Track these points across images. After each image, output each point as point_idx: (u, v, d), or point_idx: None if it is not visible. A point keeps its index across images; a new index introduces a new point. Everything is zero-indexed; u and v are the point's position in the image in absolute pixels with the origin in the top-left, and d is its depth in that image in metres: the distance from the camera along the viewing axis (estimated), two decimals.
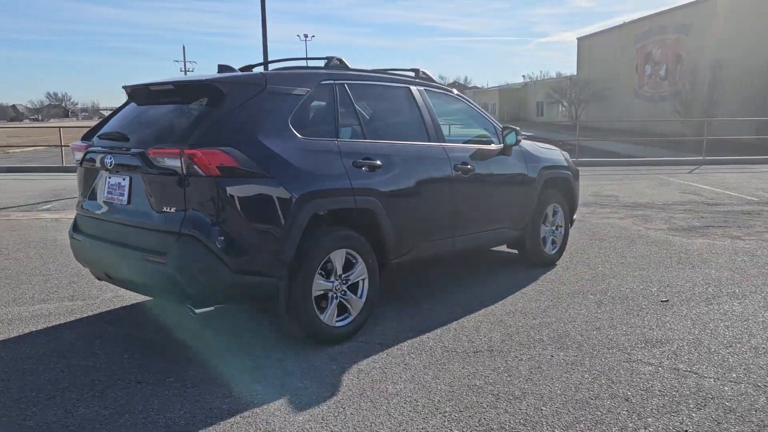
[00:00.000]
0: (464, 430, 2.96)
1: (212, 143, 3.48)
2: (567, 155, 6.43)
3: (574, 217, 6.53)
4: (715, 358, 3.77)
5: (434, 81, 5.18)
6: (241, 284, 3.58)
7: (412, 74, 5.09)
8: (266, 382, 3.48)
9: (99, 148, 3.99)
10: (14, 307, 4.87)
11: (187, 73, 67.08)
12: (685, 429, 2.94)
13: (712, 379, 3.47)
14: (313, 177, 3.82)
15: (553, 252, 6.07)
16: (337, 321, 4.02)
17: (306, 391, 3.38)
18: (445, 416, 3.09)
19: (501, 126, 5.46)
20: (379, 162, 4.22)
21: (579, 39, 46.72)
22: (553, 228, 6.06)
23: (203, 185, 3.45)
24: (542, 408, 3.16)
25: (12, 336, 4.26)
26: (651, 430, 2.93)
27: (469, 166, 4.94)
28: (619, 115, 36.09)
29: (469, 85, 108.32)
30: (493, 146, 5.33)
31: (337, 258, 3.97)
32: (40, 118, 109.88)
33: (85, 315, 4.67)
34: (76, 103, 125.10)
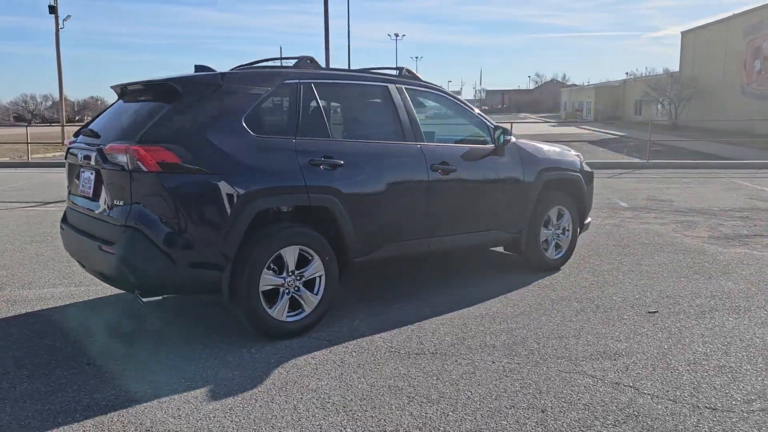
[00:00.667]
0: (357, 428, 2.97)
1: (157, 140, 3.67)
2: (580, 158, 6.19)
3: (588, 220, 6.27)
4: (669, 375, 3.55)
5: (419, 80, 5.14)
6: (184, 276, 3.75)
7: (395, 73, 5.08)
8: (201, 371, 3.63)
9: (78, 144, 4.30)
10: (27, 290, 5.32)
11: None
12: None
13: (649, 396, 3.28)
14: (260, 174, 3.93)
15: (557, 256, 5.86)
16: (288, 316, 4.11)
17: (232, 381, 3.50)
18: (347, 414, 3.11)
19: (493, 126, 5.34)
20: (340, 161, 4.26)
21: (683, 33, 44.23)
22: (558, 232, 5.85)
23: (146, 180, 3.65)
24: (449, 413, 3.11)
25: (9, 315, 4.66)
26: None
27: (449, 167, 4.87)
28: (723, 114, 33.83)
29: (568, 83, 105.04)
30: (482, 146, 5.22)
31: (289, 254, 4.06)
32: None
33: (80, 300, 5.02)
34: None
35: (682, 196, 10.76)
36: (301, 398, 3.28)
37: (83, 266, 4.33)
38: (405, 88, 4.88)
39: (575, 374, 3.56)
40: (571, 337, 4.14)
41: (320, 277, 4.22)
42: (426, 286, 5.33)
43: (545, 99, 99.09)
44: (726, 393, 3.31)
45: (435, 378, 3.53)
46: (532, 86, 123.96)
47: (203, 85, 3.98)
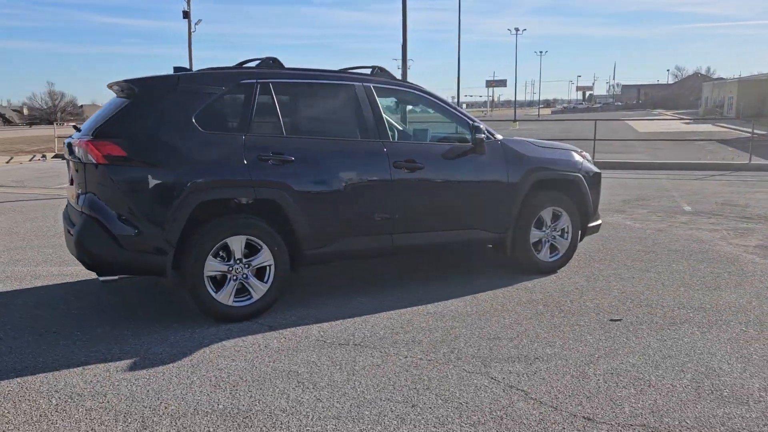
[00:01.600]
0: (229, 405, 3.18)
1: (108, 135, 4.09)
2: (584, 158, 5.94)
3: (596, 222, 6.00)
4: (573, 382, 3.43)
5: (394, 79, 5.22)
6: (130, 258, 4.15)
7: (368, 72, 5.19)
8: (140, 345, 4.01)
9: (69, 139, 4.85)
10: (44, 266, 6.03)
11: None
12: None
13: (532, 402, 3.21)
14: (204, 168, 4.24)
15: (552, 259, 5.69)
16: (235, 301, 4.39)
17: (157, 356, 3.84)
18: (230, 393, 3.33)
19: (473, 124, 5.29)
20: (291, 157, 4.48)
21: None
22: (555, 234, 5.68)
23: (96, 171, 4.09)
24: (323, 400, 3.25)
25: (23, 288, 5.34)
26: None
27: (416, 164, 4.92)
28: None
29: (713, 76, 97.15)
30: (458, 145, 5.20)
31: (236, 243, 4.34)
32: None
33: (84, 278, 5.59)
34: None
35: (763, 202, 9.82)
36: (204, 375, 3.55)
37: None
38: (373, 87, 4.98)
39: (475, 375, 3.54)
40: (505, 339, 4.07)
41: (270, 266, 4.47)
42: (405, 280, 5.42)
43: (685, 94, 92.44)
44: (619, 406, 3.16)
45: (337, 367, 3.65)
46: (671, 80, 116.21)
47: (159, 85, 4.36)
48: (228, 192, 4.33)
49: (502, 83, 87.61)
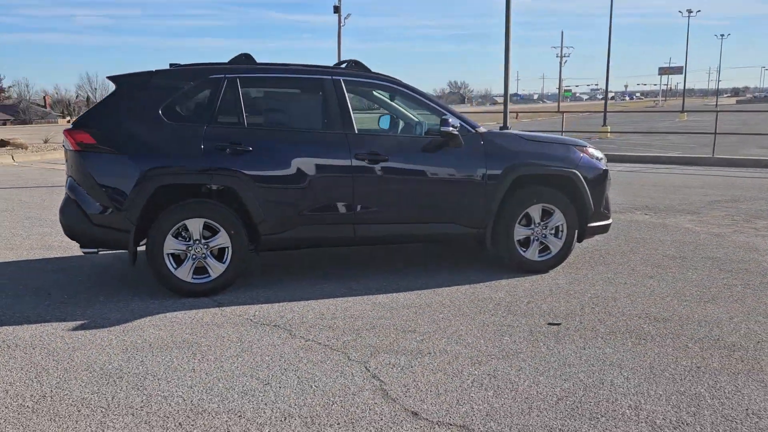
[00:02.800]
0: (105, 363, 3.59)
1: (82, 125, 4.70)
2: (591, 154, 5.59)
3: (604, 222, 5.64)
4: (436, 381, 3.39)
5: (368, 72, 5.31)
6: (100, 235, 4.73)
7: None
8: (100, 312, 4.56)
9: None
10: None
11: (563, 59, 67.53)
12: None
13: (378, 392, 3.25)
14: (165, 155, 4.70)
15: (542, 258, 5.46)
16: (194, 278, 4.82)
17: (105, 321, 4.36)
18: (120, 354, 3.73)
19: (446, 117, 5.23)
20: (249, 147, 4.79)
21: None
22: (546, 232, 5.45)
23: (73, 157, 4.70)
24: (173, 363, 3.57)
25: (44, 258, 6.21)
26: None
27: (379, 156, 5.01)
28: None
29: None
30: (430, 138, 5.17)
31: (193, 225, 4.75)
32: None
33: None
34: (472, 90, 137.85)
35: None
36: (124, 340, 3.99)
37: None
38: (343, 80, 5.13)
39: (353, 362, 3.63)
40: (417, 333, 4.08)
41: (227, 248, 4.83)
42: (384, 270, 5.53)
43: None
44: (459, 405, 3.11)
45: (238, 344, 3.91)
46: None
47: (134, 80, 4.88)
48: (184, 178, 4.75)
49: (677, 71, 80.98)
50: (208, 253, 4.83)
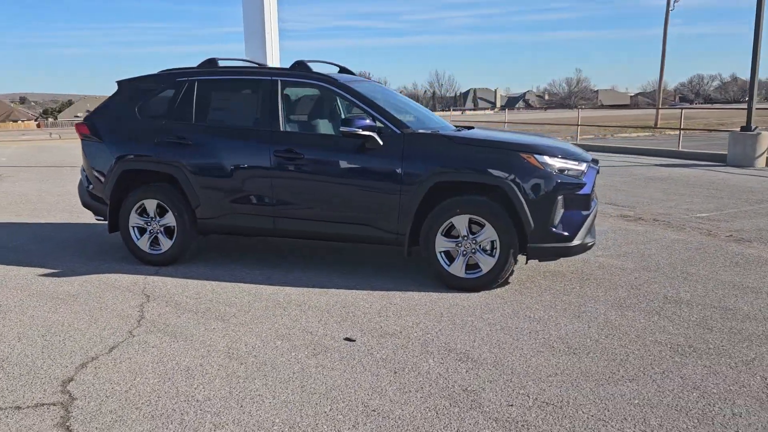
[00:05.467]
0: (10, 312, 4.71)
1: (87, 119, 5.93)
2: (539, 162, 4.76)
3: (551, 245, 4.79)
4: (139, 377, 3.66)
5: (309, 73, 5.41)
6: (95, 206, 5.94)
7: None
8: (73, 266, 5.78)
9: None
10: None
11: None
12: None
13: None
14: (129, 146, 5.65)
15: (470, 276, 4.90)
16: (150, 249, 5.71)
17: (66, 274, 5.54)
18: (35, 305, 4.82)
19: (371, 118, 5.06)
20: (190, 141, 5.46)
21: None
22: (476, 247, 4.89)
23: (81, 144, 5.99)
24: (45, 336, 4.40)
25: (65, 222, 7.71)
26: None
27: (295, 154, 5.17)
28: None
29: None
30: (345, 138, 5.07)
31: (149, 205, 5.64)
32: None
33: None
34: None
35: None
36: (51, 295, 5.10)
37: None
38: (280, 81, 5.39)
39: (190, 331, 4.06)
40: (224, 331, 4.27)
41: (174, 227, 5.61)
42: (352, 265, 5.64)
43: None
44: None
45: (116, 314, 4.53)
46: None
47: (128, 83, 5.92)
48: (139, 164, 5.64)
49: None
50: (161, 229, 5.67)
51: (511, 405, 3.16)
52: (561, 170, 4.83)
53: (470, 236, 4.90)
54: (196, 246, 5.95)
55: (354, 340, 3.99)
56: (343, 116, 5.81)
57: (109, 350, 3.87)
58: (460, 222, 4.90)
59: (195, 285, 5.15)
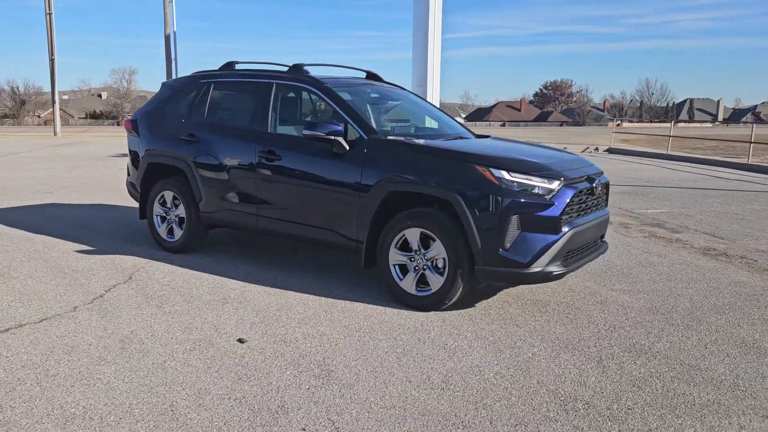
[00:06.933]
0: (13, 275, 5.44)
1: (133, 116, 6.58)
2: (495, 177, 4.29)
3: (500, 269, 4.29)
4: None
5: (301, 77, 5.40)
6: (134, 195, 6.56)
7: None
8: (107, 245, 6.47)
9: None
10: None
11: None
12: None
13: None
14: (155, 141, 6.15)
15: (420, 293, 4.59)
16: (167, 237, 6.18)
17: (91, 251, 6.24)
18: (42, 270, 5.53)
19: (342, 122, 4.94)
20: (197, 139, 5.82)
21: None
22: (428, 263, 4.58)
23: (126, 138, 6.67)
24: (35, 290, 5.07)
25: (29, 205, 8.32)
26: None
27: (274, 156, 5.26)
28: None
29: None
30: (318, 142, 5.00)
31: (168, 197, 6.11)
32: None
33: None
34: None
35: None
36: (47, 271, 5.79)
37: None
38: (276, 84, 5.50)
39: (130, 314, 4.49)
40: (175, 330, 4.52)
41: (184, 218, 6.02)
42: (326, 269, 5.65)
43: None
44: None
45: (84, 291, 5.08)
46: None
47: (166, 84, 6.44)
48: (161, 159, 6.11)
49: None
50: (176, 220, 6.12)
51: (303, 429, 2.95)
52: (523, 187, 4.32)
53: (422, 251, 4.60)
54: (208, 237, 6.30)
55: (245, 341, 3.98)
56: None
57: (39, 321, 4.31)
58: (413, 235, 4.62)
59: (180, 273, 5.48)
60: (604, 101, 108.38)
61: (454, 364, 3.72)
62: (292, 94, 5.74)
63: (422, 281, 4.63)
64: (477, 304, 4.77)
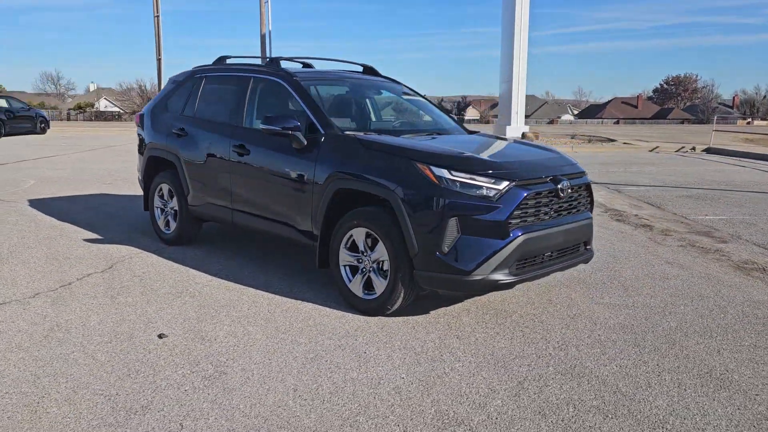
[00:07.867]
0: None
1: (142, 110, 6.76)
2: (436, 175, 3.97)
3: (440, 275, 3.98)
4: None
5: (275, 70, 5.28)
6: (140, 184, 6.77)
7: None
8: (115, 235, 6.70)
9: None
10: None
11: None
12: None
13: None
14: (155, 135, 6.28)
15: (366, 297, 4.36)
16: (165, 229, 6.31)
17: (98, 240, 6.49)
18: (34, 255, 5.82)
19: (305, 118, 4.80)
20: (186, 132, 5.87)
21: None
22: (374, 266, 4.35)
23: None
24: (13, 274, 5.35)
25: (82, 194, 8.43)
26: None
27: (244, 150, 5.19)
28: None
29: None
30: (282, 137, 4.86)
31: (165, 189, 6.23)
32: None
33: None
34: None
35: None
36: (48, 260, 6.06)
37: None
38: (253, 78, 5.43)
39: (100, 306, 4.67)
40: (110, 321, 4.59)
41: (177, 210, 6.12)
42: (289, 268, 5.56)
43: None
44: None
45: (60, 278, 5.33)
46: None
47: (170, 79, 6.56)
48: (157, 152, 6.23)
49: None
50: (171, 212, 6.23)
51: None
52: (465, 187, 3.98)
53: (368, 252, 4.36)
54: (209, 231, 6.37)
55: (165, 337, 3.95)
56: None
57: None
58: (359, 235, 4.40)
59: (158, 265, 5.57)
60: (734, 97, 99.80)
61: (357, 374, 3.48)
62: (266, 88, 5.63)
63: (370, 284, 4.40)
64: (432, 311, 4.47)
